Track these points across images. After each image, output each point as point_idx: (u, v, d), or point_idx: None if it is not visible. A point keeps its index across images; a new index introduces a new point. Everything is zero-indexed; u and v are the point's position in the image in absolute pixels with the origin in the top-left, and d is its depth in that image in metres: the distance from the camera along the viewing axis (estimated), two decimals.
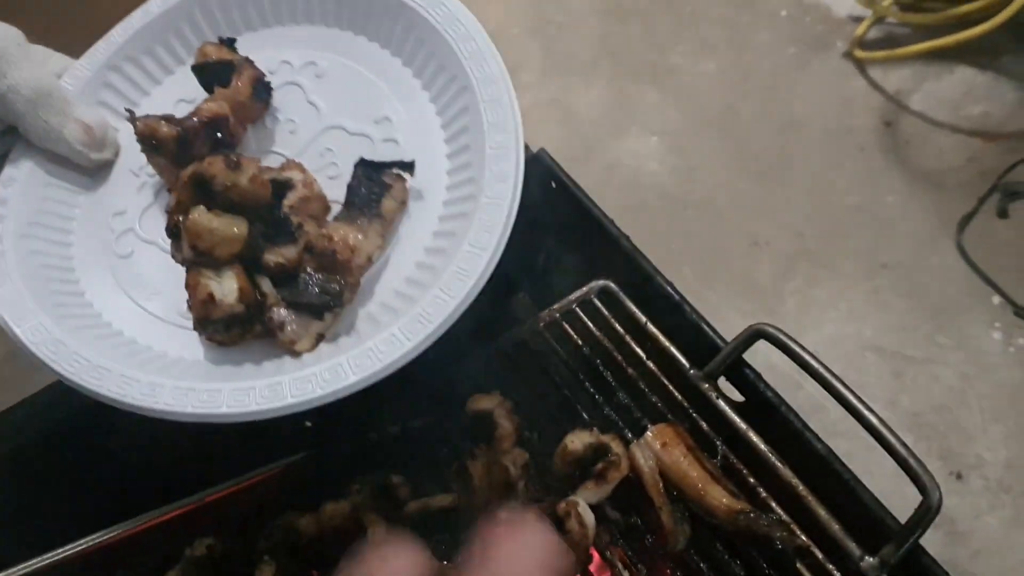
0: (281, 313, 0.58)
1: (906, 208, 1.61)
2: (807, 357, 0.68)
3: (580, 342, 0.79)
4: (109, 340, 0.63)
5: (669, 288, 0.77)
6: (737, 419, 0.71)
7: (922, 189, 1.62)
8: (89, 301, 0.65)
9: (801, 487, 0.68)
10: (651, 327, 0.77)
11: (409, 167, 0.62)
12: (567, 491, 0.70)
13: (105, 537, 0.77)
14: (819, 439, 0.70)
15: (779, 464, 0.69)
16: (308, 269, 0.59)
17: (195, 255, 0.57)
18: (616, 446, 0.70)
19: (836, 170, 1.67)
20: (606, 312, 0.79)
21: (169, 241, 0.66)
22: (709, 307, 0.82)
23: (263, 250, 0.59)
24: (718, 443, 0.71)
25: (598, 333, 0.79)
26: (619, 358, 0.77)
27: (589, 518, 0.67)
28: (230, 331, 0.58)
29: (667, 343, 0.75)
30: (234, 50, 0.69)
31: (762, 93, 1.77)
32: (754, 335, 0.71)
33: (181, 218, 0.57)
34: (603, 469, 0.69)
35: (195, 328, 0.59)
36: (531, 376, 0.80)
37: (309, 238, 0.59)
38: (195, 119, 0.62)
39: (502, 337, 0.81)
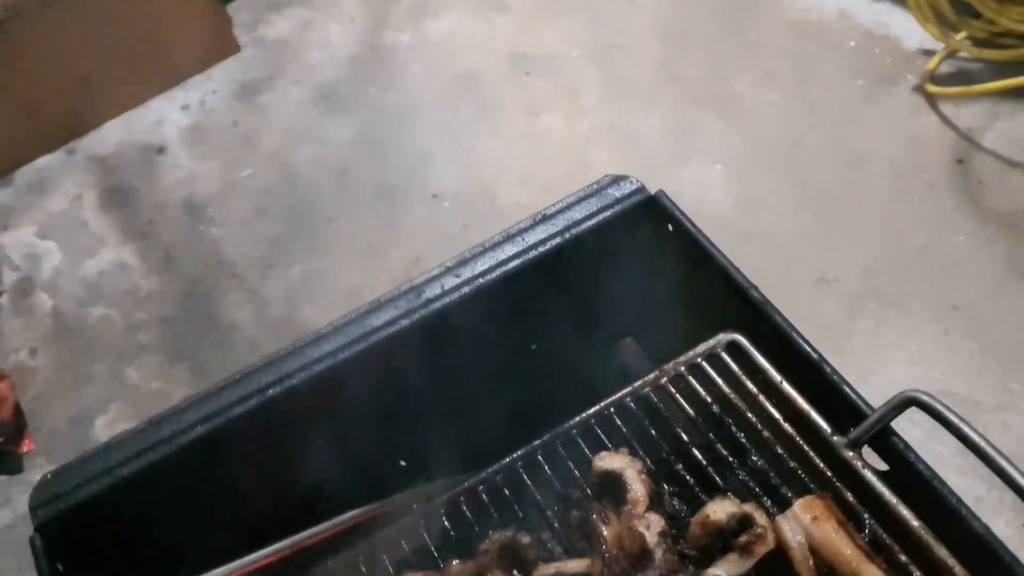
0: None
1: (977, 249, 1.57)
2: (967, 430, 0.64)
3: (709, 399, 0.75)
4: None
5: (807, 346, 0.74)
6: (887, 492, 0.67)
7: (994, 230, 1.58)
8: None
9: (958, 568, 0.64)
10: (786, 387, 0.73)
11: None
12: (705, 561, 0.67)
13: None
14: (976, 517, 0.66)
15: (934, 542, 0.65)
16: None
17: None
18: (760, 518, 0.66)
19: (905, 207, 1.63)
20: (736, 368, 0.76)
21: None
22: None
23: None
24: (865, 516, 0.68)
25: (727, 390, 0.75)
26: (752, 418, 0.73)
27: None
28: None
29: (806, 406, 0.72)
30: None
31: (828, 125, 1.74)
32: (906, 402, 0.68)
33: None
34: (748, 542, 0.65)
35: None
36: (654, 433, 0.76)
37: None
38: None
39: (624, 390, 0.77)
